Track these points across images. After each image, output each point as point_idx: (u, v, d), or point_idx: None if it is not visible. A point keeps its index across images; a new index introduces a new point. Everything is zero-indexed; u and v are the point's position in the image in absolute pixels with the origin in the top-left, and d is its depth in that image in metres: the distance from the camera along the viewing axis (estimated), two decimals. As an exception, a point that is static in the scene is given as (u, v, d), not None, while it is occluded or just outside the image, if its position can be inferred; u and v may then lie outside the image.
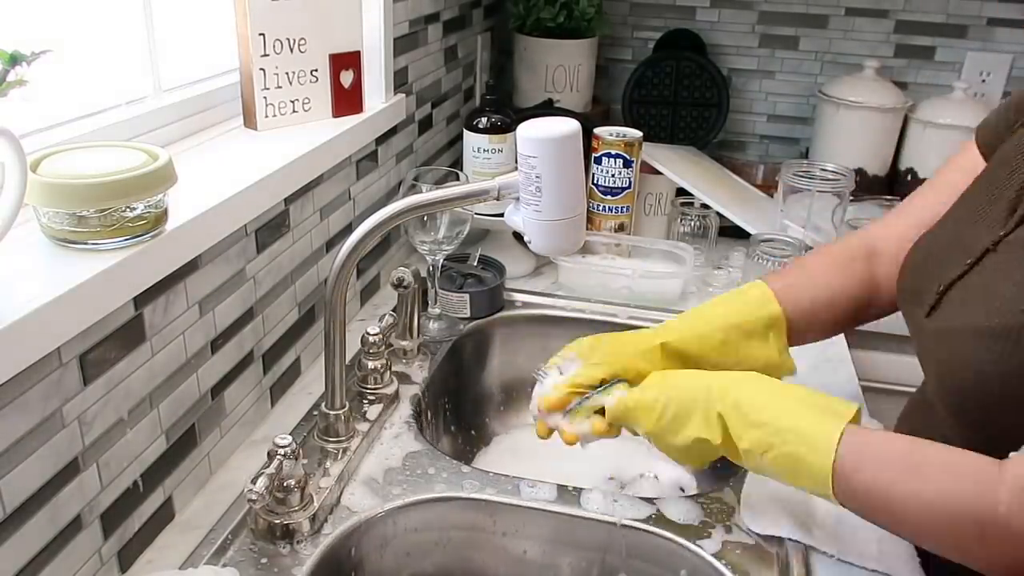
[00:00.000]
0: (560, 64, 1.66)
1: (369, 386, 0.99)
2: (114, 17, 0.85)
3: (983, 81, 1.72)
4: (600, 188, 1.34)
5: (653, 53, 1.81)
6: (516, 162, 0.80)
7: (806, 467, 0.68)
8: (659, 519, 0.83)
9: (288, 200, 0.96)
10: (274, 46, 0.98)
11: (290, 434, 0.76)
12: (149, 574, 0.75)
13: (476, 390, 1.24)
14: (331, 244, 1.09)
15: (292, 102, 1.02)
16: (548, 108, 1.63)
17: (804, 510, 0.83)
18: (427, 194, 0.84)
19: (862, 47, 1.75)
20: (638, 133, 1.34)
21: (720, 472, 1.06)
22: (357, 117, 1.09)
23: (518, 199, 0.80)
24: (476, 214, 1.18)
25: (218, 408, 0.87)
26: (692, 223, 1.39)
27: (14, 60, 0.56)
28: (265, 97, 0.99)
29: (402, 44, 1.23)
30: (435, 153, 1.46)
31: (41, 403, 0.62)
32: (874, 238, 0.91)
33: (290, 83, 1.01)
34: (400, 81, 1.24)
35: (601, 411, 0.81)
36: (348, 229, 1.12)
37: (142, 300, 0.72)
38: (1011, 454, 0.62)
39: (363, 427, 0.93)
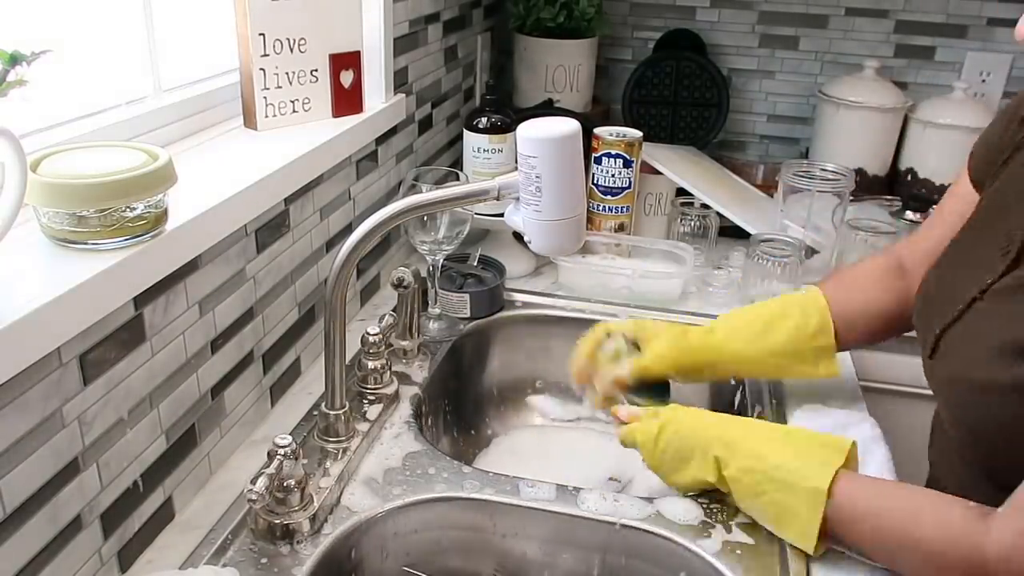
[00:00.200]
0: (560, 64, 1.66)
1: (369, 386, 0.99)
2: (114, 17, 0.85)
3: (983, 81, 1.72)
4: (600, 188, 1.34)
5: (653, 53, 1.81)
6: (516, 162, 0.80)
7: (795, 519, 0.74)
8: (659, 519, 0.83)
9: (288, 200, 0.96)
10: (274, 46, 0.98)
11: (290, 434, 0.76)
12: (149, 574, 0.75)
13: (476, 390, 1.24)
14: (331, 244, 1.09)
15: (292, 102, 1.02)
16: (548, 108, 1.63)
17: None
18: (427, 194, 0.84)
19: (862, 47, 1.75)
20: (638, 133, 1.34)
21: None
22: (357, 117, 1.09)
23: (518, 199, 0.80)
24: (476, 214, 1.18)
25: (218, 408, 0.87)
26: (692, 223, 1.39)
27: (14, 60, 0.56)
28: (265, 97, 0.99)
29: (402, 44, 1.23)
30: (435, 153, 1.46)
31: (41, 403, 0.62)
32: (901, 257, 0.95)
33: (290, 83, 1.01)
34: (400, 81, 1.24)
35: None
36: (348, 229, 1.12)
37: (142, 300, 0.72)
38: (1000, 509, 0.64)
39: (363, 427, 0.93)
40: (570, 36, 1.65)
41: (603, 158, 1.33)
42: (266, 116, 1.00)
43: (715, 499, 0.86)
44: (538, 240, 0.82)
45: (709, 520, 0.84)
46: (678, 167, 1.47)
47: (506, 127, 1.28)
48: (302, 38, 1.01)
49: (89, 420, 0.67)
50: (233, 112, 1.02)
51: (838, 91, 1.66)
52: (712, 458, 0.80)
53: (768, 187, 1.67)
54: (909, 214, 1.54)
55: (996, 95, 1.72)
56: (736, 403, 1.11)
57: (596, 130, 1.34)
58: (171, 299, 0.76)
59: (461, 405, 1.19)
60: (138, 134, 0.86)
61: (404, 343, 1.10)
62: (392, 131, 1.23)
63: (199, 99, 0.97)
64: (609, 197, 1.35)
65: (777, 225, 1.42)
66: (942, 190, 1.60)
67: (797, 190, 1.41)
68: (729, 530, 0.82)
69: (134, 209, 0.66)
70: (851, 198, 1.44)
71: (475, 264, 1.26)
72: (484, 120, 1.28)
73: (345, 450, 0.88)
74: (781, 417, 1.01)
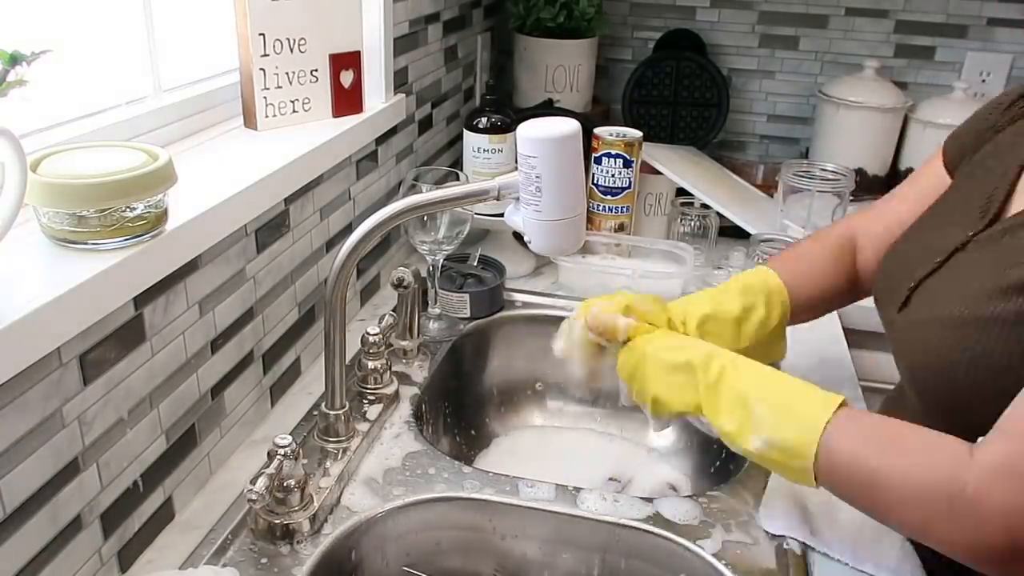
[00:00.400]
0: (560, 64, 1.66)
1: (369, 386, 0.99)
2: (114, 17, 0.85)
3: (983, 81, 1.72)
4: (600, 188, 1.34)
5: (653, 53, 1.81)
6: (516, 162, 0.80)
7: (791, 443, 0.71)
8: (659, 519, 0.83)
9: (288, 200, 0.96)
10: (274, 46, 0.98)
11: (290, 434, 0.76)
12: (149, 574, 0.75)
13: (476, 390, 1.24)
14: (331, 244, 1.09)
15: (292, 102, 1.02)
16: (548, 108, 1.63)
17: (825, 510, 0.83)
18: (427, 194, 0.84)
19: (862, 47, 1.75)
20: (638, 133, 1.34)
21: (719, 472, 1.06)
22: (357, 117, 1.09)
23: (518, 199, 0.80)
24: (476, 214, 1.18)
25: (218, 408, 0.87)
26: (692, 223, 1.39)
27: (14, 60, 0.56)
28: (265, 97, 0.99)
29: (402, 44, 1.23)
30: (435, 153, 1.46)
31: (41, 403, 0.62)
32: (856, 231, 0.97)
33: (290, 83, 1.01)
34: (400, 81, 1.24)
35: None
36: (348, 229, 1.12)
37: (142, 300, 0.72)
38: (980, 439, 0.64)
39: (363, 427, 0.93)
40: (570, 36, 1.65)
41: (603, 158, 1.33)
42: (266, 116, 1.00)
43: (715, 499, 0.86)
44: (538, 240, 0.82)
45: (709, 520, 0.84)
46: (678, 167, 1.47)
47: (506, 127, 1.28)
48: (302, 38, 1.01)
49: (89, 420, 0.67)
50: (233, 112, 1.02)
51: (838, 91, 1.66)
52: (717, 365, 0.77)
53: (768, 187, 1.67)
54: (909, 214, 1.54)
55: (996, 95, 1.72)
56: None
57: (596, 130, 1.34)
58: (171, 299, 0.76)
59: (461, 405, 1.19)
60: (138, 134, 0.86)
61: (404, 343, 1.10)
62: (392, 131, 1.23)
63: (199, 99, 0.97)
64: (609, 197, 1.35)
65: (777, 225, 1.42)
66: (942, 190, 1.60)
67: (797, 190, 1.41)
68: (729, 530, 0.82)
69: (134, 209, 0.66)
70: (851, 198, 1.44)
71: (475, 264, 1.26)
72: (484, 120, 1.28)
73: (345, 450, 0.88)
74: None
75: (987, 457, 0.62)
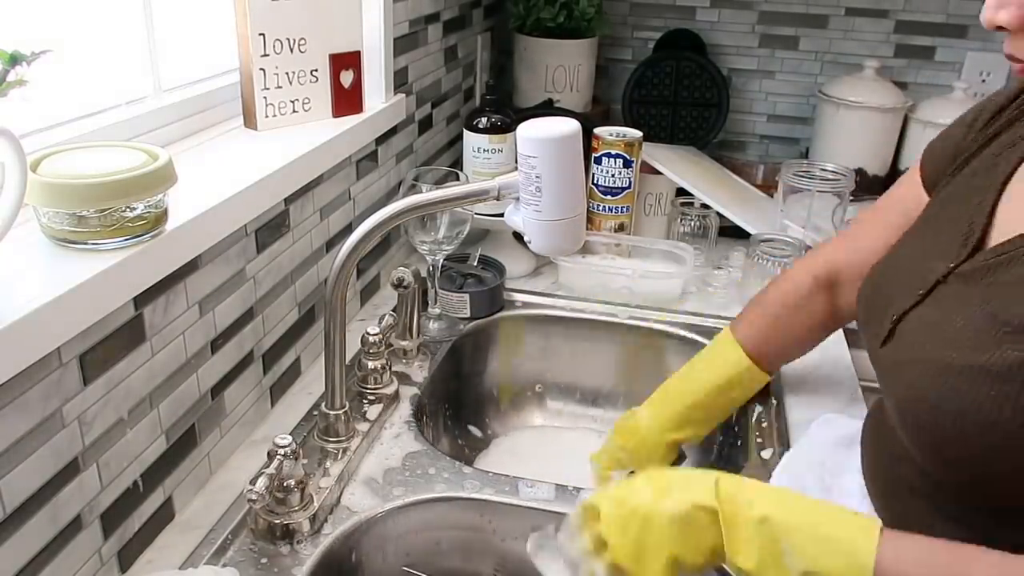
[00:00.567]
0: (560, 64, 1.66)
1: (369, 386, 0.99)
2: (114, 17, 0.85)
3: (983, 81, 1.72)
4: (600, 188, 1.34)
5: (653, 53, 1.81)
6: (516, 162, 0.80)
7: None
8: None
9: (288, 200, 0.96)
10: (274, 46, 0.98)
11: (290, 434, 0.77)
12: (149, 574, 0.75)
13: (476, 390, 1.24)
14: (331, 244, 1.09)
15: (292, 102, 1.02)
16: (548, 108, 1.63)
17: None
18: (427, 194, 0.84)
19: (862, 47, 1.75)
20: (638, 133, 1.34)
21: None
22: (357, 117, 1.09)
23: (518, 199, 0.80)
24: (476, 214, 1.18)
25: (218, 408, 0.87)
26: (692, 223, 1.39)
27: (14, 60, 0.56)
28: (265, 97, 0.99)
29: (402, 44, 1.23)
30: (435, 153, 1.46)
31: (41, 403, 0.62)
32: (833, 265, 0.94)
33: (290, 83, 1.01)
34: (400, 81, 1.24)
35: None
36: (348, 229, 1.12)
37: (142, 300, 0.72)
38: None
39: (363, 427, 0.93)
40: (570, 36, 1.65)
41: (603, 158, 1.33)
42: (266, 116, 1.00)
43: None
44: (538, 240, 0.81)
45: (709, 520, 0.83)
46: (678, 167, 1.47)
47: (506, 127, 1.28)
48: (302, 38, 1.01)
49: (89, 420, 0.67)
50: (233, 112, 1.02)
51: (838, 91, 1.66)
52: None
53: (768, 187, 1.67)
54: (909, 214, 1.54)
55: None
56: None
57: (596, 130, 1.34)
58: (171, 299, 0.76)
59: (461, 405, 1.19)
60: (138, 134, 0.86)
61: (404, 343, 1.10)
62: (392, 131, 1.23)
63: (199, 99, 0.97)
64: (609, 197, 1.35)
65: (777, 225, 1.42)
66: (942, 190, 1.59)
67: (797, 190, 1.41)
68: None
69: (134, 209, 0.66)
70: (851, 198, 1.44)
71: (475, 264, 1.26)
72: (484, 120, 1.28)
73: (345, 450, 0.88)
74: (781, 415, 1.01)
75: None
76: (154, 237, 0.69)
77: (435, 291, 1.17)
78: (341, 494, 0.85)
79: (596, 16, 1.66)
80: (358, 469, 0.89)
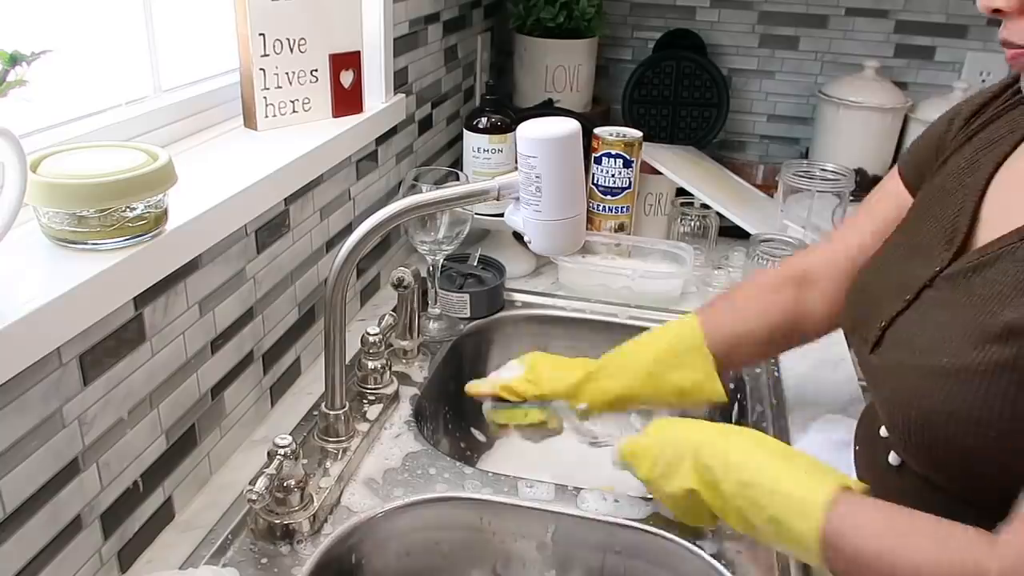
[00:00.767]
0: (560, 64, 1.66)
1: (369, 386, 0.99)
2: (114, 17, 0.85)
3: (983, 81, 1.72)
4: (600, 188, 1.34)
5: (653, 53, 1.81)
6: (516, 162, 0.80)
7: (791, 531, 0.67)
8: (658, 519, 0.83)
9: (288, 200, 0.96)
10: (274, 46, 0.98)
11: (290, 434, 0.77)
12: (149, 574, 0.75)
13: (476, 390, 1.23)
14: (331, 244, 1.09)
15: (292, 102, 1.02)
16: (548, 108, 1.63)
17: None
18: (427, 194, 0.84)
19: (862, 47, 1.75)
20: (638, 133, 1.34)
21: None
22: (357, 117, 1.09)
23: (518, 199, 0.80)
24: (476, 214, 1.18)
25: (218, 408, 0.87)
26: (692, 223, 1.39)
27: (14, 60, 0.57)
28: (265, 97, 0.99)
29: (402, 44, 1.23)
30: (435, 153, 1.46)
31: (41, 403, 0.62)
32: (806, 265, 0.93)
33: (290, 83, 1.01)
34: (400, 81, 1.24)
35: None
36: (348, 229, 1.12)
37: (142, 300, 0.72)
38: (1001, 528, 0.61)
39: (363, 427, 0.93)
40: (570, 36, 1.65)
41: (603, 158, 1.33)
42: (266, 116, 1.00)
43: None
44: (538, 240, 0.82)
45: (709, 520, 0.84)
46: (678, 167, 1.47)
47: (506, 127, 1.28)
48: (302, 38, 1.01)
49: (89, 420, 0.67)
50: (233, 112, 1.02)
51: (838, 91, 1.66)
52: (703, 466, 0.74)
53: (768, 187, 1.67)
54: (909, 214, 1.54)
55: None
56: (736, 403, 1.11)
57: (596, 130, 1.34)
58: (171, 299, 0.76)
59: (461, 405, 1.19)
60: (138, 134, 0.86)
61: (404, 343, 1.10)
62: (392, 131, 1.23)
63: (199, 99, 0.97)
64: (609, 197, 1.35)
65: (777, 225, 1.42)
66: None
67: (797, 190, 1.41)
68: (728, 530, 0.82)
69: (134, 209, 0.66)
70: (851, 198, 1.44)
71: (475, 264, 1.26)
72: (484, 120, 1.28)
73: (345, 450, 0.88)
74: (781, 415, 1.01)
75: (1012, 546, 0.59)
76: (154, 237, 0.69)
77: (435, 291, 1.17)
78: (341, 494, 0.85)
79: (596, 16, 1.66)
80: (358, 469, 0.89)
